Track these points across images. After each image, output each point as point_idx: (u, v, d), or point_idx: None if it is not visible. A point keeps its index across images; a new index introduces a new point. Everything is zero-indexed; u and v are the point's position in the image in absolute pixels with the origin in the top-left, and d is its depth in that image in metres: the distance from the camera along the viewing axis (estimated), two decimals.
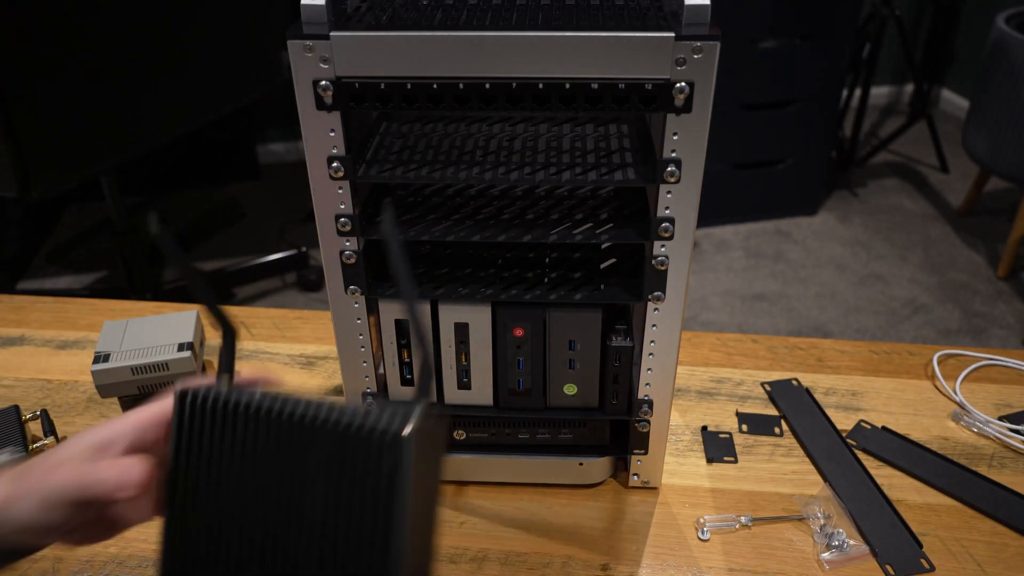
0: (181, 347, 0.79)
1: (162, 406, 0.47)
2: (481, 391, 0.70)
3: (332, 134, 0.57)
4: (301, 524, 0.40)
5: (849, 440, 0.80)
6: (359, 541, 0.38)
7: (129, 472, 0.44)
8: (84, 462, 0.45)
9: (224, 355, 0.47)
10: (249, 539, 0.42)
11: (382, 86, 0.55)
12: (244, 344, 0.94)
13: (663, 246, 0.60)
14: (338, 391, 0.88)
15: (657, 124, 0.58)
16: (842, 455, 0.78)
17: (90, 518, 0.47)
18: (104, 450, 0.46)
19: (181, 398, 0.44)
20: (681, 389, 0.88)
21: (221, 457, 0.43)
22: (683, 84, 0.53)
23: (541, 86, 0.54)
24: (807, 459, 0.79)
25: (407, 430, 0.38)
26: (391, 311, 0.67)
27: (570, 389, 0.69)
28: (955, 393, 0.86)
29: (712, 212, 2.61)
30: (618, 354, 0.67)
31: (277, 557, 0.41)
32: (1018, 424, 0.81)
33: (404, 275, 0.42)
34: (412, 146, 0.66)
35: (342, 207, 0.60)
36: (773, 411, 0.85)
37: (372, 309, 0.67)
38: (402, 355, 0.69)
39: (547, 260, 0.69)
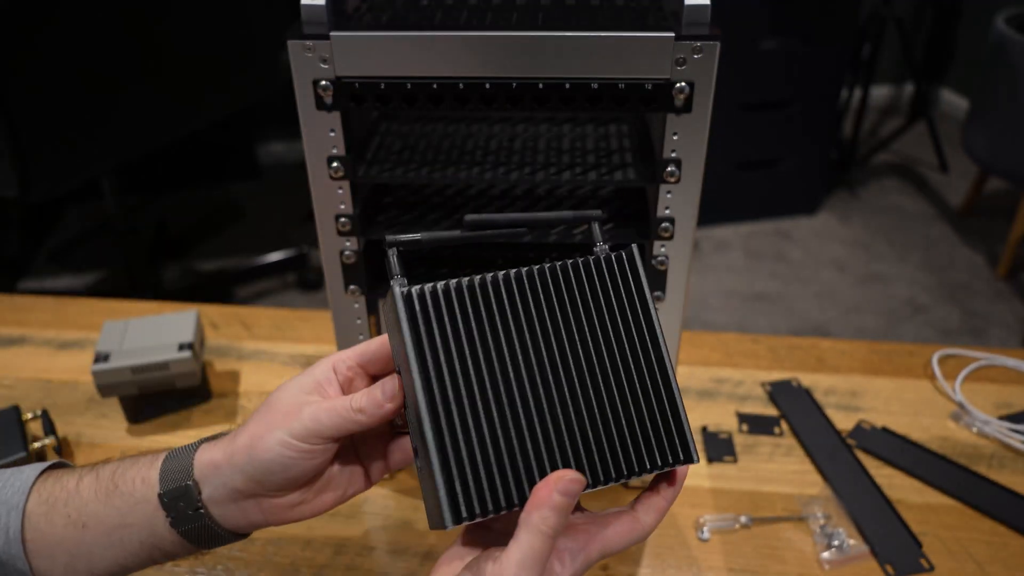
0: (181, 347, 0.79)
1: (365, 347, 0.48)
2: None
3: (332, 134, 0.57)
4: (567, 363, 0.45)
5: (849, 440, 0.80)
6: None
7: (378, 397, 0.45)
8: (321, 400, 0.46)
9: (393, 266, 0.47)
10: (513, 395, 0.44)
11: (382, 86, 0.55)
12: (244, 344, 0.94)
13: (663, 246, 0.60)
14: None
15: (657, 124, 0.58)
16: (842, 455, 0.78)
17: (321, 466, 0.46)
18: (323, 388, 0.47)
19: (407, 297, 0.44)
20: (681, 389, 0.87)
21: (463, 331, 0.44)
22: (683, 84, 0.53)
23: (541, 86, 0.54)
24: (807, 459, 0.79)
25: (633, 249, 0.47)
26: None
27: None
28: (955, 393, 0.86)
29: (712, 212, 2.61)
30: None
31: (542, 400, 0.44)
32: (1018, 424, 0.81)
33: None
34: (412, 146, 0.66)
35: (342, 207, 0.60)
36: (773, 411, 0.85)
37: (372, 309, 0.67)
38: None
39: (547, 260, 0.69)
